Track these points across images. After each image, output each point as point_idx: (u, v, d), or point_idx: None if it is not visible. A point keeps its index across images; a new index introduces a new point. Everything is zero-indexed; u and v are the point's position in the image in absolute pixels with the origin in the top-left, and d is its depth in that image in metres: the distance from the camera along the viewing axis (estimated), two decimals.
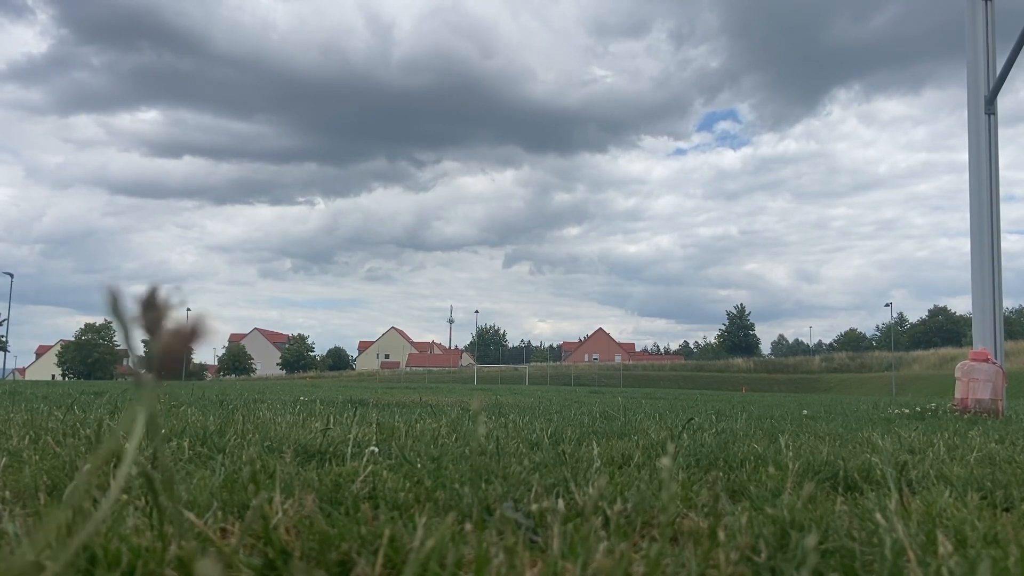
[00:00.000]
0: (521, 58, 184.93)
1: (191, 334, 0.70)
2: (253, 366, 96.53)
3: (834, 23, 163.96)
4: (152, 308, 0.70)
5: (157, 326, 0.70)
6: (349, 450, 2.37)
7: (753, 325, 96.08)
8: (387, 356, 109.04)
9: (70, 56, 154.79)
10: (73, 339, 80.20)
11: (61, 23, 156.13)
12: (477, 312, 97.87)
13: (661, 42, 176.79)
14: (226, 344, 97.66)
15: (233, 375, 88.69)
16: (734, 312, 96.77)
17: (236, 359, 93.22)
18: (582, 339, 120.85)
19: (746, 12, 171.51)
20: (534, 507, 1.48)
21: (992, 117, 7.98)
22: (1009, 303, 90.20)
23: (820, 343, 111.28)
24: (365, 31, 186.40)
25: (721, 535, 1.33)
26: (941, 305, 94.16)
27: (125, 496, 1.44)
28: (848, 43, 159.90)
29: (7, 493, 1.54)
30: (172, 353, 0.70)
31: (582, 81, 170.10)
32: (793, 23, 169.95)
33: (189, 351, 0.72)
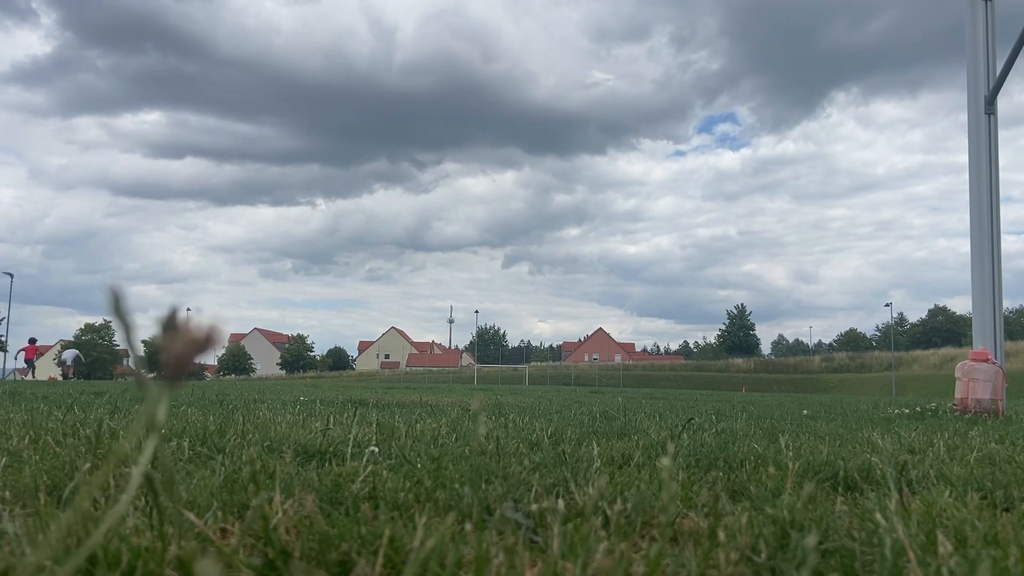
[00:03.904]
0: (523, 62, 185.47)
1: (205, 342, 0.70)
2: (253, 366, 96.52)
3: (832, 27, 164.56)
4: (172, 328, 0.70)
5: (176, 346, 0.70)
6: (349, 450, 2.37)
7: (753, 325, 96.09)
8: (387, 356, 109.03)
9: (74, 59, 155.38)
10: (73, 339, 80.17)
11: (65, 26, 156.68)
12: (477, 312, 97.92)
13: (662, 46, 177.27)
14: (226, 344, 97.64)
15: (233, 375, 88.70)
16: (734, 312, 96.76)
17: (236, 359, 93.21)
18: (582, 339, 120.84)
19: (746, 16, 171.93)
20: (534, 507, 1.48)
21: (992, 117, 7.97)
22: (1009, 303, 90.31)
23: (820, 343, 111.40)
24: (368, 35, 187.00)
25: (721, 535, 1.33)
26: (940, 305, 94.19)
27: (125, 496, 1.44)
28: (846, 47, 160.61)
29: (7, 493, 1.54)
30: (184, 360, 0.70)
31: (583, 84, 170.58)
32: (792, 27, 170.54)
33: (199, 358, 0.72)
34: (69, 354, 31.98)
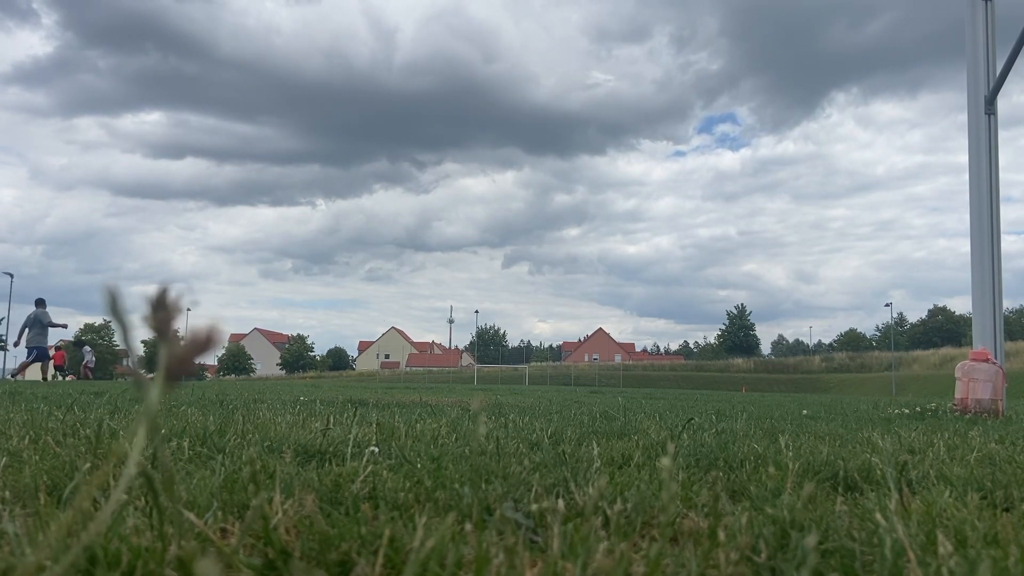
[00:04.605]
0: (523, 63, 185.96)
1: (205, 342, 0.70)
2: (253, 366, 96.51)
3: (832, 28, 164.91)
4: (161, 309, 0.69)
5: (166, 327, 0.70)
6: (349, 450, 2.37)
7: (753, 325, 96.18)
8: (387, 356, 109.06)
9: (75, 59, 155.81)
10: (72, 339, 79.98)
11: (66, 27, 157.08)
12: (477, 312, 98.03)
13: (662, 46, 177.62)
14: (226, 344, 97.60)
15: (233, 375, 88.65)
16: (734, 312, 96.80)
17: (236, 359, 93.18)
18: (582, 339, 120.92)
19: (745, 16, 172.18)
20: (534, 507, 1.48)
21: (992, 117, 7.97)
22: (1009, 303, 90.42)
23: (820, 343, 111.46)
24: (368, 35, 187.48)
25: (721, 535, 1.33)
26: (940, 305, 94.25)
27: (125, 496, 1.44)
28: (846, 47, 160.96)
29: (7, 493, 1.54)
30: (185, 361, 0.70)
31: (584, 85, 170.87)
32: (792, 27, 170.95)
33: (200, 359, 0.72)
34: (87, 352, 31.92)
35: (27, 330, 18.68)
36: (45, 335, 18.54)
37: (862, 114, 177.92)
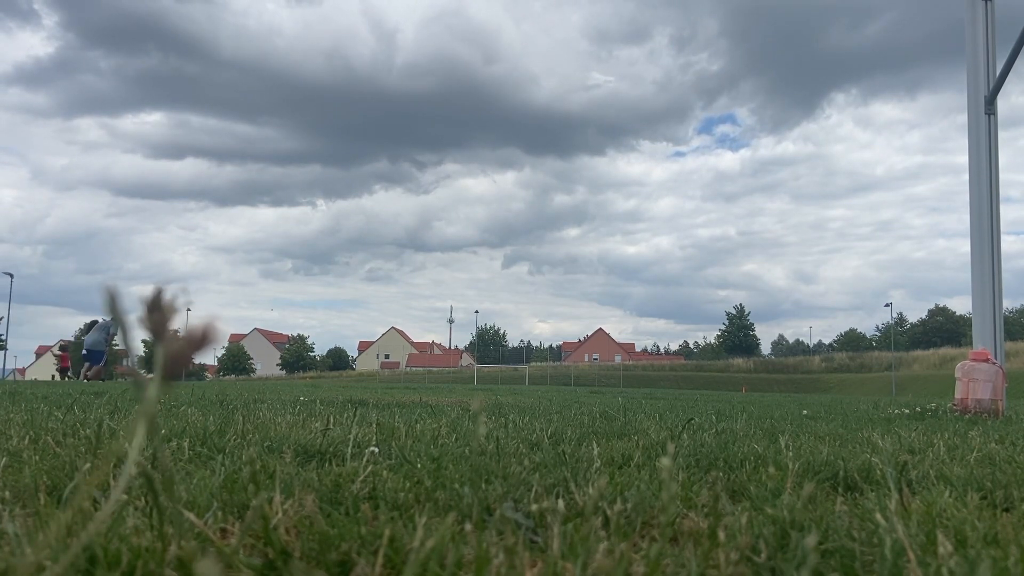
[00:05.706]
0: (524, 64, 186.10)
1: (201, 339, 0.70)
2: (253, 366, 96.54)
3: (832, 29, 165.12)
4: (157, 310, 0.70)
5: (162, 328, 0.70)
6: (349, 450, 2.37)
7: (753, 325, 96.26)
8: (387, 356, 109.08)
9: (76, 60, 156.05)
10: (72, 339, 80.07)
11: (67, 27, 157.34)
12: (477, 312, 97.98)
13: (662, 47, 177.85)
14: (226, 344, 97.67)
15: (233, 375, 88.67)
16: (734, 312, 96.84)
17: (236, 359, 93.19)
18: (582, 339, 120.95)
19: (745, 17, 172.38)
20: (534, 507, 1.48)
21: (992, 117, 7.97)
22: (1009, 303, 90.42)
23: (820, 343, 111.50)
24: (369, 37, 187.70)
25: (721, 535, 1.33)
26: (941, 305, 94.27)
27: (125, 496, 1.44)
28: (845, 48, 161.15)
29: (7, 493, 1.54)
30: (182, 357, 0.70)
31: (584, 86, 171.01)
32: (791, 29, 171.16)
33: (196, 355, 0.72)
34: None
35: (91, 331, 19.05)
36: (106, 342, 18.96)
37: (861, 115, 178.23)
